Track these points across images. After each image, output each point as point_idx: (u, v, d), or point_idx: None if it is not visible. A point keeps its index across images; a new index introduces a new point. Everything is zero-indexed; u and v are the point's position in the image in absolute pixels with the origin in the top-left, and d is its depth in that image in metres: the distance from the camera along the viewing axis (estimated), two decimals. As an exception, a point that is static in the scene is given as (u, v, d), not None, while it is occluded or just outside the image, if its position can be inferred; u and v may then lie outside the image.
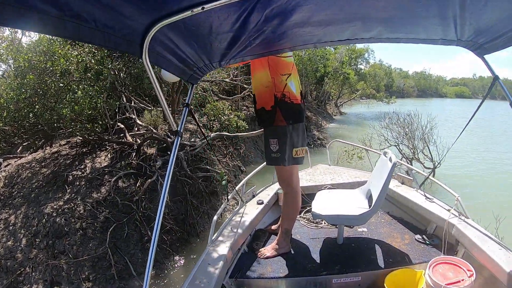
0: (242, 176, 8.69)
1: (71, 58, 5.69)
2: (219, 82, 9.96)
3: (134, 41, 1.52)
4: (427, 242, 3.04)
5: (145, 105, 7.93)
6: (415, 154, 9.48)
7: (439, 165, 8.85)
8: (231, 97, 11.01)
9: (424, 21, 1.66)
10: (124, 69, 5.84)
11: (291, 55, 2.84)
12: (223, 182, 7.44)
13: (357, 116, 30.03)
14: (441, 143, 9.16)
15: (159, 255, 5.57)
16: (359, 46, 29.16)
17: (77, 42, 6.80)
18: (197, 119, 3.78)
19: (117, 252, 5.22)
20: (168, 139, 6.58)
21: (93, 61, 5.62)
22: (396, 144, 10.18)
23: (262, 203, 3.72)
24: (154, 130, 6.87)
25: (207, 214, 6.87)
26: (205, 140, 3.67)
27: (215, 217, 3.02)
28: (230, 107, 9.68)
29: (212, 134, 7.49)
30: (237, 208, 3.64)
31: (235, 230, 3.09)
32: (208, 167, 7.20)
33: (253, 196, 3.97)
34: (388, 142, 10.42)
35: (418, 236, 3.13)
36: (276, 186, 4.15)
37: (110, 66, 5.57)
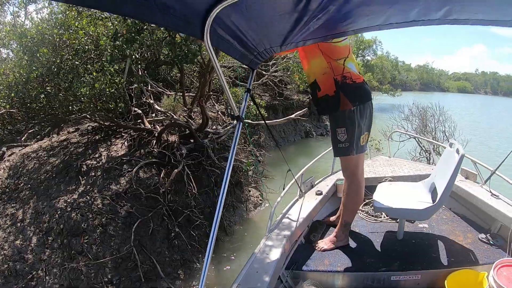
0: (260, 166, 8.28)
1: (90, 33, 5.06)
2: (236, 68, 9.36)
3: (195, 22, 1.48)
4: (491, 242, 2.90)
5: (163, 90, 7.29)
6: (436, 148, 9.10)
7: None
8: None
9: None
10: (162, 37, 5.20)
11: (346, 38, 2.70)
12: (250, 173, 6.96)
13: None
14: (460, 136, 9.06)
15: (187, 253, 5.02)
16: (367, 37, 28.96)
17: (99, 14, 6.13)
18: (257, 104, 3.57)
19: (142, 251, 4.63)
20: (191, 126, 5.97)
21: (125, 26, 4.91)
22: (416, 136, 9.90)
23: (321, 193, 3.64)
24: (175, 116, 6.23)
25: (232, 206, 6.35)
26: (264, 122, 3.31)
27: (273, 208, 2.98)
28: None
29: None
30: (295, 198, 3.56)
31: (293, 221, 3.07)
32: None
33: (312, 187, 3.87)
34: (408, 134, 10.06)
35: (481, 236, 2.99)
36: (334, 177, 4.10)
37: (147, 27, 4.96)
